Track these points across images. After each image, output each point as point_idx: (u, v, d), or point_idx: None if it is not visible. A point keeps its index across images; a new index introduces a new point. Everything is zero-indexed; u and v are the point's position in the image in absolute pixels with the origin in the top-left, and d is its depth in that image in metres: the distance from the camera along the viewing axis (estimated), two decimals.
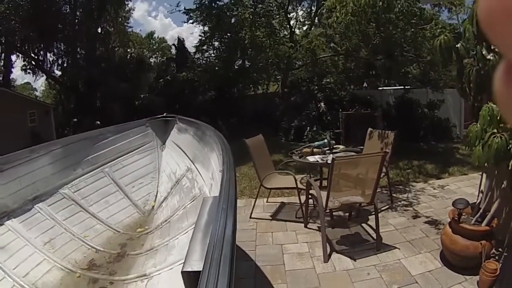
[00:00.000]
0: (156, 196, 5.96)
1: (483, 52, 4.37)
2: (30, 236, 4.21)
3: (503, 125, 4.10)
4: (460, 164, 10.51)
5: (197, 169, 5.27)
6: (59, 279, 3.85)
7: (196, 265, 2.03)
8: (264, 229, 6.60)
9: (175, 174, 5.96)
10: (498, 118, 4.07)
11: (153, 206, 5.74)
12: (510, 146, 4.02)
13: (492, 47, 4.34)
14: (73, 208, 4.99)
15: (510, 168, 4.52)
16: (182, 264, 2.88)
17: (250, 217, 7.00)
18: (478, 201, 5.12)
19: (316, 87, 18.42)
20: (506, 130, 4.06)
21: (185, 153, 6.01)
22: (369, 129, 8.31)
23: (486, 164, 4.34)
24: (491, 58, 4.29)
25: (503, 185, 4.85)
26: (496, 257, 4.69)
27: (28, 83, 49.44)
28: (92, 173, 5.63)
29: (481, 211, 4.86)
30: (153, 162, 6.50)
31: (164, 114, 7.22)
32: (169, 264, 3.75)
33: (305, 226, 6.51)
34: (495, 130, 4.08)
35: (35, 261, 3.94)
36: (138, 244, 4.66)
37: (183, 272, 2.07)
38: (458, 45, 4.78)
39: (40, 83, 52.10)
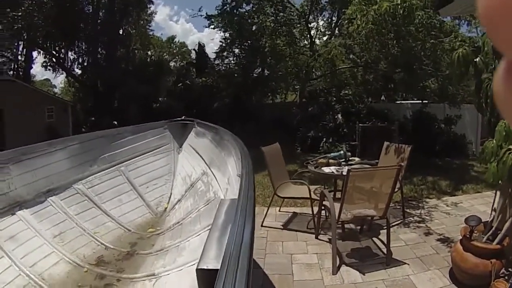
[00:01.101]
0: (169, 198, 5.98)
1: None
2: (41, 228, 4.27)
3: None
4: (474, 182, 10.41)
5: (213, 173, 5.29)
6: (66, 272, 3.88)
7: (212, 263, 2.05)
8: (274, 238, 6.59)
9: (190, 177, 5.99)
10: None
11: (165, 208, 5.76)
12: None
13: None
14: (85, 204, 5.05)
15: None
16: (193, 265, 2.90)
17: (262, 225, 7.00)
18: (491, 219, 5.07)
19: (334, 99, 18.35)
20: None
21: (201, 157, 6.05)
22: (385, 143, 8.29)
23: (500, 182, 4.32)
24: None
25: None
26: (506, 277, 4.65)
27: (47, 79, 50.32)
28: (107, 171, 5.71)
29: (493, 229, 4.81)
30: (168, 164, 6.54)
31: (183, 117, 7.30)
32: (179, 266, 3.76)
33: (316, 237, 6.48)
34: (511, 147, 4.05)
35: (43, 253, 3.99)
36: (148, 244, 4.68)
37: (198, 270, 2.09)
38: (477, 59, 4.75)
39: (59, 80, 52.60)
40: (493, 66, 4.53)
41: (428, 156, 14.13)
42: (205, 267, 2.03)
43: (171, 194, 6.05)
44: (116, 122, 20.55)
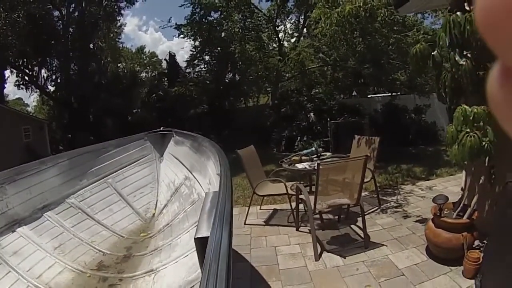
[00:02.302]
0: (156, 204, 6.31)
1: (456, 58, 4.69)
2: (41, 242, 4.51)
3: (477, 125, 4.43)
4: (447, 166, 10.72)
5: (195, 177, 5.61)
6: (70, 279, 4.15)
7: (205, 233, 2.41)
8: (258, 233, 6.91)
9: (173, 183, 6.31)
10: (471, 118, 4.40)
11: (153, 214, 6.08)
12: (484, 144, 4.34)
13: (464, 53, 4.67)
14: (79, 216, 5.32)
15: (486, 164, 4.88)
16: (186, 256, 3.31)
17: (245, 224, 7.30)
18: (460, 197, 5.44)
19: (306, 98, 18.59)
20: (479, 129, 4.38)
21: (182, 164, 6.37)
22: (356, 136, 8.66)
23: (464, 162, 4.66)
24: (463, 63, 4.60)
25: (481, 181, 5.17)
26: (480, 248, 4.97)
27: (20, 98, 49.61)
28: (96, 183, 5.99)
29: (461, 205, 5.17)
30: (152, 173, 6.86)
31: (161, 128, 7.61)
32: (174, 259, 4.09)
33: (297, 230, 6.82)
34: (468, 130, 4.39)
35: (47, 264, 4.24)
36: (143, 247, 4.98)
37: (196, 239, 2.46)
38: (434, 53, 5.09)
39: (32, 98, 52.15)
40: (449, 58, 4.85)
41: (402, 146, 14.57)
42: (200, 236, 2.36)
43: (157, 200, 6.37)
44: (92, 138, 20.57)
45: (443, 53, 4.93)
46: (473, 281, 4.52)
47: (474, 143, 4.28)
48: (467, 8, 4.59)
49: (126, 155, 6.73)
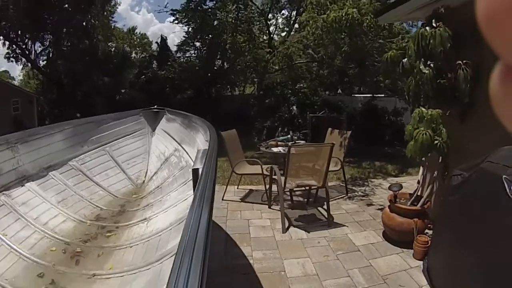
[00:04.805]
0: (146, 172, 7.00)
1: (421, 67, 5.37)
2: (46, 196, 5.10)
3: (433, 126, 5.11)
4: (418, 167, 11.28)
5: (184, 149, 6.31)
6: (73, 227, 4.77)
7: (199, 165, 3.17)
8: (234, 208, 7.62)
9: (163, 154, 7.01)
10: (426, 119, 5.09)
11: (143, 181, 6.77)
12: (437, 142, 5.03)
13: (428, 63, 5.36)
14: (80, 177, 5.97)
15: (440, 160, 5.56)
16: (175, 206, 4.07)
17: (222, 199, 7.99)
18: (415, 189, 6.14)
19: (290, 91, 19.19)
20: (433, 129, 5.07)
21: (172, 138, 7.09)
22: (329, 128, 9.33)
23: (416, 156, 5.30)
24: (426, 71, 5.28)
25: (434, 174, 5.86)
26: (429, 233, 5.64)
27: (6, 71, 49.39)
28: (95, 150, 6.70)
29: (415, 195, 5.87)
30: (144, 145, 7.58)
31: (155, 106, 8.36)
32: (164, 209, 4.76)
33: (269, 207, 7.55)
34: (422, 128, 5.08)
35: (51, 214, 4.84)
36: (135, 204, 5.65)
37: (193, 169, 3.22)
38: (404, 60, 5.74)
39: (17, 72, 51.60)
40: (415, 66, 5.51)
41: (378, 145, 15.20)
42: (196, 167, 3.15)
43: (147, 169, 7.07)
44: (79, 115, 20.51)
45: (411, 62, 5.57)
46: (421, 262, 5.08)
47: (425, 139, 4.98)
48: (433, 24, 5.28)
49: (123, 128, 7.44)
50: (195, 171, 3.18)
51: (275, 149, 8.39)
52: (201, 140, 5.38)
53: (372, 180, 10.25)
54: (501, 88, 0.32)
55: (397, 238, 5.79)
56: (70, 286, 3.49)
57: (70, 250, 4.17)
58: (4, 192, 4.58)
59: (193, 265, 1.43)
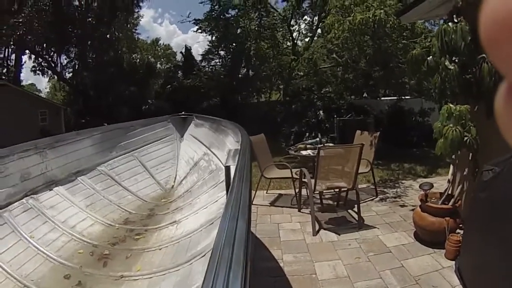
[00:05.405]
0: (175, 178, 7.05)
1: (446, 63, 5.30)
2: (75, 200, 5.19)
3: (462, 122, 5.03)
4: (448, 167, 11.14)
5: (213, 153, 6.33)
6: (101, 230, 4.82)
7: (230, 163, 3.19)
8: (263, 212, 7.58)
9: (193, 159, 7.06)
10: (454, 115, 5.02)
11: (172, 186, 6.82)
12: (466, 138, 4.96)
13: (453, 59, 5.29)
14: (108, 182, 6.04)
15: (470, 158, 5.48)
16: (206, 208, 4.08)
17: (252, 204, 7.85)
18: (446, 187, 6.05)
19: (316, 96, 19.08)
20: (462, 126, 5.00)
21: (201, 142, 7.13)
22: (358, 131, 9.28)
23: (447, 154, 5.22)
24: (452, 68, 5.21)
25: (464, 172, 5.74)
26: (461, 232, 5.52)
27: (33, 84, 50.17)
28: (124, 155, 6.78)
29: (446, 194, 5.77)
30: (173, 151, 7.65)
31: (183, 113, 8.47)
32: (194, 211, 4.76)
33: (299, 211, 7.49)
34: (451, 125, 5.01)
35: (80, 218, 4.91)
36: (164, 208, 5.67)
37: (225, 167, 3.26)
38: (429, 58, 5.68)
39: (44, 85, 52.42)
40: (440, 63, 5.44)
41: (406, 147, 14.97)
42: (228, 164, 3.16)
43: (176, 174, 7.12)
44: (106, 124, 20.69)
45: (435, 59, 5.51)
46: (453, 262, 4.99)
47: (455, 136, 4.90)
48: (455, 20, 5.21)
49: (151, 134, 7.53)
50: (227, 169, 3.19)
51: (304, 152, 8.35)
52: (231, 142, 5.38)
53: (402, 181, 10.13)
54: (505, 107, 0.33)
55: (428, 238, 5.70)
56: (97, 287, 3.51)
57: (97, 253, 4.21)
58: (32, 196, 4.67)
59: (233, 264, 1.31)
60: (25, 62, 30.66)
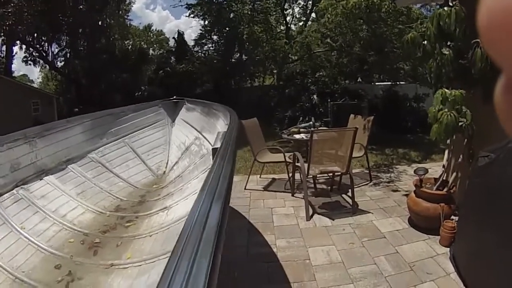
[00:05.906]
0: (167, 163, 6.95)
1: (442, 49, 5.25)
2: (65, 188, 5.10)
3: (457, 107, 4.99)
4: (442, 153, 11.16)
5: (204, 137, 6.23)
6: (91, 218, 4.75)
7: (218, 145, 3.14)
8: (256, 197, 7.54)
9: (184, 143, 6.95)
10: (449, 100, 4.97)
11: (164, 171, 6.72)
12: (461, 123, 4.93)
13: (448, 44, 5.24)
14: (99, 169, 5.95)
15: (465, 143, 5.45)
16: (196, 193, 4.00)
17: (245, 188, 7.95)
18: (440, 173, 6.02)
19: (310, 80, 18.97)
20: (457, 111, 4.96)
21: (193, 127, 7.03)
22: (351, 115, 9.20)
23: (442, 138, 5.19)
24: (447, 52, 5.17)
25: (459, 158, 5.72)
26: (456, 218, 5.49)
27: (25, 75, 49.85)
28: (115, 142, 6.67)
29: (440, 180, 5.72)
30: (164, 136, 7.52)
31: (174, 97, 8.32)
32: (185, 197, 4.68)
33: (292, 195, 7.46)
34: (446, 110, 4.97)
35: (70, 206, 4.83)
36: (155, 194, 5.58)
37: (213, 149, 3.25)
38: (425, 42, 5.61)
39: (36, 75, 52.16)
40: (435, 47, 5.40)
41: (400, 133, 14.96)
42: (215, 147, 3.14)
43: (168, 160, 7.02)
44: None
45: (431, 43, 5.45)
46: (448, 248, 4.98)
47: (450, 121, 4.84)
48: (450, 4, 5.16)
49: (142, 119, 7.40)
50: (214, 151, 3.15)
51: (297, 136, 8.24)
52: (221, 125, 5.32)
53: (396, 166, 10.15)
54: (503, 99, 0.33)
55: (423, 224, 5.68)
56: (87, 277, 3.47)
57: (88, 241, 4.16)
58: (22, 186, 4.59)
59: (202, 244, 1.28)
60: (16, 53, 30.59)
